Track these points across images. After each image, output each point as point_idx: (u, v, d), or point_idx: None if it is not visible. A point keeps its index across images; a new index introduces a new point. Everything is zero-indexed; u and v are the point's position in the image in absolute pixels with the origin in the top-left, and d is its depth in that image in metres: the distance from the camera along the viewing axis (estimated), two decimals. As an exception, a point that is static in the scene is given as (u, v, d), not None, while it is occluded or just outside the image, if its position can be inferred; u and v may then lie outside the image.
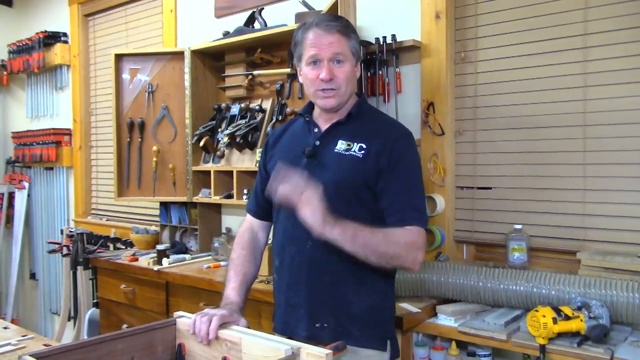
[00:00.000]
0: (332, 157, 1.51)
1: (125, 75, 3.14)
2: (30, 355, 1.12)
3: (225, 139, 2.84)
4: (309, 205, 1.32)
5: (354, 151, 1.50)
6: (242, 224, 1.77)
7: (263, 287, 2.21)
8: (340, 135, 1.53)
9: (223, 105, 3.00)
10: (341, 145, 1.51)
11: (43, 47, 4.28)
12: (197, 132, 3.00)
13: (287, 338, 1.28)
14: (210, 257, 2.91)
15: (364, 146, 1.49)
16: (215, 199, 2.91)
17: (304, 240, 1.50)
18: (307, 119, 1.62)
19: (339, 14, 2.16)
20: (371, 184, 1.48)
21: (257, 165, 1.75)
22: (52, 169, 4.46)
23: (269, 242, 1.75)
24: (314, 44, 1.49)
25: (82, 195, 4.24)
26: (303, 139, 1.59)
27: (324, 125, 1.57)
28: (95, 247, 3.44)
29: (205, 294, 2.47)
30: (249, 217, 1.76)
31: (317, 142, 1.55)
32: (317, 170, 1.49)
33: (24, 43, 4.44)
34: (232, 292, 1.57)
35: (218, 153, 2.95)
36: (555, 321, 1.58)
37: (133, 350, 1.29)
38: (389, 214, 1.47)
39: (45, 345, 1.68)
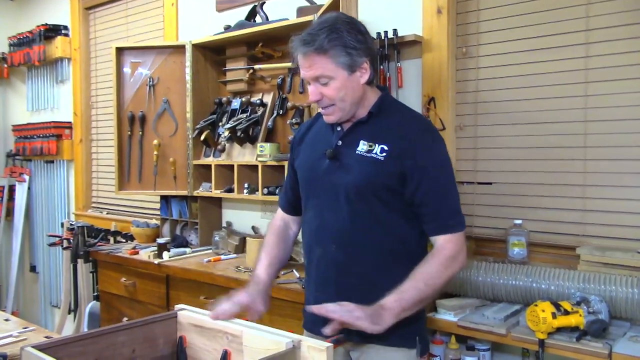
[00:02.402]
0: (353, 158, 1.48)
1: (126, 69, 3.14)
2: (33, 347, 1.12)
3: (226, 133, 2.84)
4: (357, 312, 1.29)
5: (376, 153, 1.45)
6: (275, 216, 1.80)
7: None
8: (362, 135, 1.49)
9: (224, 99, 2.99)
10: (363, 146, 1.48)
11: (44, 40, 4.27)
12: (198, 126, 3.00)
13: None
14: (210, 251, 2.92)
15: (386, 147, 1.45)
16: (216, 192, 2.92)
17: (329, 243, 1.50)
18: None
19: (340, 9, 2.15)
20: (393, 185, 1.45)
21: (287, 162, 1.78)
22: (52, 162, 4.46)
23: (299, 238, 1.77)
24: (300, 67, 1.47)
25: (83, 189, 4.24)
26: (327, 138, 1.56)
27: (346, 124, 1.53)
28: (96, 241, 3.45)
29: (205, 287, 2.48)
30: (280, 210, 1.78)
31: (339, 142, 1.52)
32: (338, 172, 1.49)
33: (25, 36, 4.43)
34: (261, 270, 1.62)
35: (219, 147, 2.95)
36: (554, 316, 1.59)
37: (134, 342, 1.30)
38: (426, 222, 1.45)
39: (46, 337, 1.69)
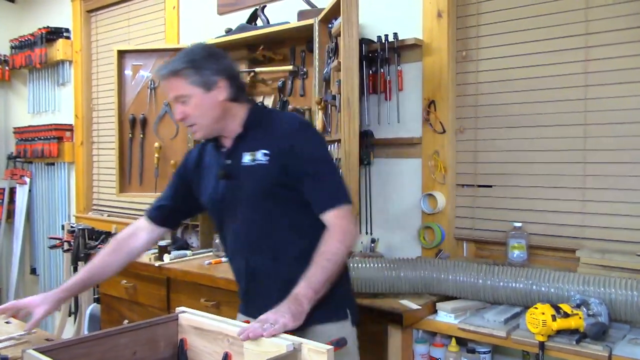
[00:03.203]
0: (242, 171, 1.58)
1: (128, 72, 3.15)
2: (34, 350, 1.13)
3: (227, 136, 2.84)
4: (281, 319, 1.30)
5: (259, 159, 1.56)
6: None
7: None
8: (243, 148, 1.60)
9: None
10: (246, 158, 1.58)
11: (45, 43, 4.28)
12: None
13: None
14: (211, 254, 2.92)
15: (267, 152, 1.56)
16: (217, 195, 2.91)
17: (247, 255, 1.61)
18: (213, 142, 1.68)
19: (341, 12, 2.16)
20: (287, 182, 1.55)
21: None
22: (53, 164, 4.47)
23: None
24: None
25: (84, 191, 4.25)
26: (217, 161, 1.66)
27: (228, 143, 1.64)
28: (97, 243, 3.45)
29: (206, 290, 2.48)
30: (139, 220, 1.85)
31: (228, 161, 1.62)
32: (234, 188, 1.59)
33: (26, 38, 4.44)
34: (71, 281, 1.71)
35: (219, 150, 2.95)
36: (554, 318, 1.59)
37: (135, 345, 1.31)
38: (314, 205, 1.55)
39: (47, 339, 1.69)
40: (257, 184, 1.56)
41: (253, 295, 1.64)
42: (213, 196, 1.65)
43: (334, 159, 1.66)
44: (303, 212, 1.57)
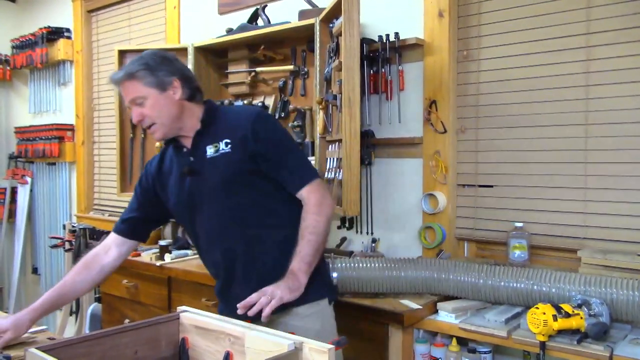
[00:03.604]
0: (208, 164, 1.62)
1: (129, 71, 3.14)
2: (37, 349, 1.13)
3: (228, 136, 2.85)
4: (277, 292, 1.45)
5: (222, 149, 1.61)
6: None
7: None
8: (205, 142, 1.64)
9: (226, 101, 3.00)
10: (210, 150, 1.62)
11: (46, 43, 4.29)
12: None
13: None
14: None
15: (229, 140, 1.61)
16: (218, 195, 2.92)
17: (225, 247, 1.64)
18: (174, 145, 1.71)
19: (342, 11, 2.17)
20: (252, 167, 1.60)
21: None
22: (54, 164, 4.47)
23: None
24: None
25: (85, 191, 4.25)
26: (180, 162, 1.69)
27: (188, 142, 1.67)
28: (98, 243, 3.44)
29: (207, 289, 2.48)
30: (108, 237, 1.87)
31: (192, 158, 1.65)
32: (202, 182, 1.63)
33: (27, 38, 4.45)
34: (38, 302, 1.68)
35: (220, 149, 2.96)
36: (555, 318, 1.59)
37: (137, 344, 1.31)
38: (287, 185, 1.63)
39: (49, 339, 1.70)
40: (224, 172, 1.60)
41: (232, 284, 1.66)
42: (180, 195, 1.68)
43: (294, 140, 1.75)
44: (276, 199, 1.63)
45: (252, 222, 1.62)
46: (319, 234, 1.57)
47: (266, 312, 1.41)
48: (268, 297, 1.43)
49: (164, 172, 1.76)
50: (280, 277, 1.53)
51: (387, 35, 2.43)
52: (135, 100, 1.60)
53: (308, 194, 1.61)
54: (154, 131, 1.64)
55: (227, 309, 1.60)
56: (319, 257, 1.59)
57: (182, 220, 1.78)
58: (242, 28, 2.88)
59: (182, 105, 1.63)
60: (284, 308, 1.51)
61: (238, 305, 1.42)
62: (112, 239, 1.84)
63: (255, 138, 1.59)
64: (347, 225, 2.64)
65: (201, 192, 1.64)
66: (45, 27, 4.30)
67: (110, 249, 1.83)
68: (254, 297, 1.44)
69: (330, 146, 2.49)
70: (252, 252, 1.62)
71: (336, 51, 2.38)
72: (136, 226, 1.84)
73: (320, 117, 2.50)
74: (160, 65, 1.61)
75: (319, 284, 1.64)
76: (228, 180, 1.60)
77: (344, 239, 2.68)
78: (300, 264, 1.53)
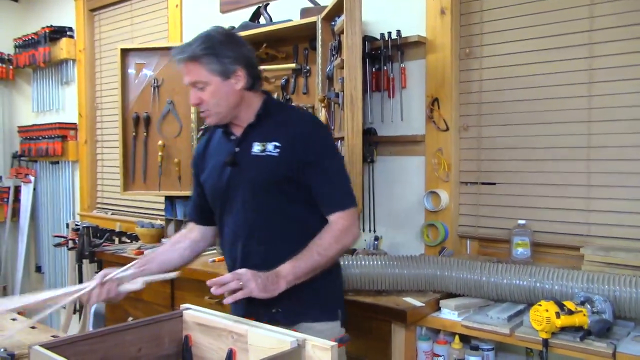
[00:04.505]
0: (251, 160, 1.59)
1: (131, 70, 3.15)
2: (41, 346, 1.14)
3: (230, 134, 2.85)
4: (251, 284, 1.39)
5: (269, 150, 1.57)
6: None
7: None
8: (254, 137, 1.60)
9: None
10: (256, 148, 1.59)
11: (49, 42, 4.29)
12: (203, 127, 3.01)
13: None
14: (215, 251, 2.92)
15: (278, 144, 1.57)
16: (220, 193, 2.92)
17: (246, 243, 1.61)
18: (223, 129, 1.68)
19: (344, 9, 2.16)
20: (292, 176, 1.56)
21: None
22: (57, 163, 4.48)
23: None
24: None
25: (88, 189, 4.26)
26: (225, 148, 1.66)
27: (238, 131, 1.64)
28: (101, 241, 3.46)
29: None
30: (187, 226, 1.85)
31: (237, 149, 1.62)
32: (239, 176, 1.60)
33: (30, 38, 4.46)
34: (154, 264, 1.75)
35: (223, 148, 2.96)
36: (558, 315, 1.59)
37: (140, 341, 1.31)
38: (322, 204, 1.58)
39: (53, 336, 1.70)
40: (263, 174, 1.56)
41: None
42: (218, 183, 1.65)
43: (342, 157, 1.70)
44: (306, 211, 1.59)
45: (275, 229, 1.59)
46: (325, 257, 1.52)
47: (227, 300, 1.38)
48: (239, 284, 1.38)
49: (208, 154, 1.73)
50: (304, 296, 1.53)
51: (389, 33, 2.43)
52: (196, 83, 1.56)
53: (337, 218, 1.56)
54: (207, 115, 1.60)
55: (235, 305, 1.58)
56: (310, 276, 1.52)
57: (215, 206, 1.72)
58: (244, 26, 2.88)
59: (241, 95, 1.59)
60: (289, 321, 1.50)
61: (208, 282, 1.38)
62: (186, 232, 1.82)
63: (304, 149, 1.55)
64: (349, 223, 2.64)
65: (237, 185, 1.61)
66: (47, 26, 4.31)
67: (193, 233, 1.80)
68: (227, 277, 1.40)
69: (332, 144, 2.49)
70: (268, 259, 1.55)
71: (338, 49, 2.38)
72: (203, 212, 1.77)
73: (322, 115, 2.50)
74: (227, 50, 1.54)
75: (335, 305, 1.64)
76: (264, 182, 1.57)
77: (346, 237, 2.68)
78: (289, 273, 1.47)
